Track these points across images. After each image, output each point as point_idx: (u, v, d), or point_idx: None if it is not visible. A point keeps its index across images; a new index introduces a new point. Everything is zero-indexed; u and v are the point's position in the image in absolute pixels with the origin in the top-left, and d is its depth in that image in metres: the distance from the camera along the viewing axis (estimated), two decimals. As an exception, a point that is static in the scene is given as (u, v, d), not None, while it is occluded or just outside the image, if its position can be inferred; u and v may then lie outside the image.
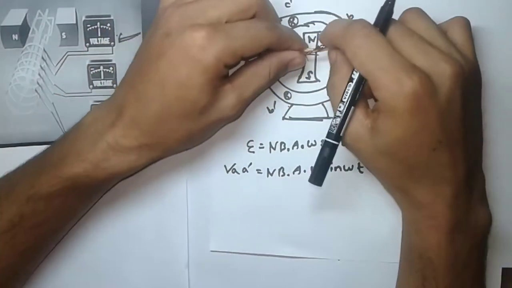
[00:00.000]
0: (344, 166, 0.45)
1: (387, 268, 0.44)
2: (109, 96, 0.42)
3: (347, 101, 0.38)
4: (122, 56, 0.45)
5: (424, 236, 0.40)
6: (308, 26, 0.44)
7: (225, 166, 0.45)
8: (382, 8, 0.39)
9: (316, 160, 0.40)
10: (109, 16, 0.45)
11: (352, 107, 0.39)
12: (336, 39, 0.40)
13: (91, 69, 0.45)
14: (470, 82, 0.38)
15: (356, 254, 0.45)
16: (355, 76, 0.38)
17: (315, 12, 0.44)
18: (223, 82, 0.39)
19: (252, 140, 0.45)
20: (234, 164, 0.45)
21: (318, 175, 0.39)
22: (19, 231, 0.40)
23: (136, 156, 0.40)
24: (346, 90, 0.39)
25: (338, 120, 0.39)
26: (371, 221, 0.45)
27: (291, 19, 0.44)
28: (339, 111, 0.39)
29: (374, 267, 0.45)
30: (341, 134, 0.39)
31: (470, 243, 0.40)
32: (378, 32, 0.38)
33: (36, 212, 0.40)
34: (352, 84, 0.38)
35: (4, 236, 0.40)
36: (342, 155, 0.41)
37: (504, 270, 0.45)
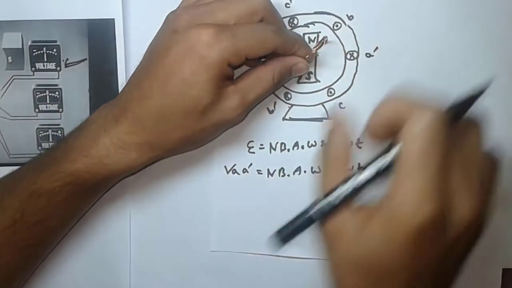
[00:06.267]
0: (344, 166, 0.44)
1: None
2: (55, 120, 0.43)
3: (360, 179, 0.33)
4: (68, 81, 0.45)
5: None
6: (308, 26, 0.44)
7: (225, 166, 0.46)
8: (471, 97, 0.31)
9: (296, 217, 0.34)
10: (55, 41, 0.44)
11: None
12: (396, 111, 0.31)
13: (37, 93, 0.45)
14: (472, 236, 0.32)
15: (356, 255, 0.45)
16: (393, 151, 0.31)
17: (315, 13, 0.44)
18: (226, 83, 0.40)
19: (252, 141, 0.45)
20: (235, 164, 0.45)
21: (288, 234, 0.34)
22: (20, 227, 0.40)
23: (137, 154, 0.41)
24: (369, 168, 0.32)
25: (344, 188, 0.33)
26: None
27: (291, 20, 0.44)
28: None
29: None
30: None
31: None
32: (445, 136, 0.30)
33: (37, 208, 0.40)
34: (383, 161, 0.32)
35: (5, 232, 0.40)
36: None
37: (504, 271, 0.45)
